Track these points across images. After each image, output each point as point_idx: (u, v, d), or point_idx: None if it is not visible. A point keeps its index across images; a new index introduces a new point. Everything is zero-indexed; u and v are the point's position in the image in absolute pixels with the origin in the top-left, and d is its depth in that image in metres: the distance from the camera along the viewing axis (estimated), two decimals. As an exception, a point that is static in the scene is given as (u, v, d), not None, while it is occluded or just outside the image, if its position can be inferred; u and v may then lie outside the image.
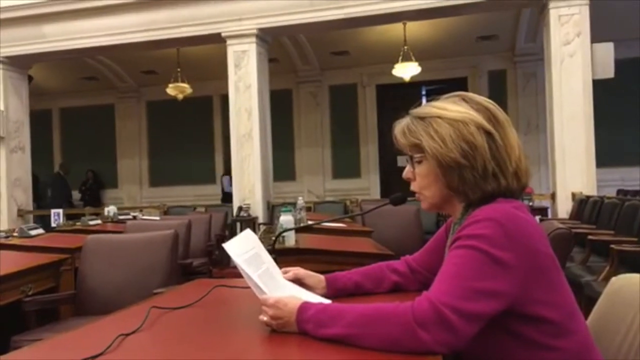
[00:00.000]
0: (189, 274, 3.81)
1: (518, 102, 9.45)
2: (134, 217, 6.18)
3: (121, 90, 11.34)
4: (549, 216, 6.53)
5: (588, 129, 6.03)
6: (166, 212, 7.93)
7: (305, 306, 1.14)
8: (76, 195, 11.23)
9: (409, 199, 1.46)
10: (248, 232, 1.41)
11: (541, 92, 7.90)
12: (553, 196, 6.34)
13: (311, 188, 10.26)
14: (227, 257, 1.42)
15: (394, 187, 9.01)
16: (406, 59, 8.11)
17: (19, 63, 8.06)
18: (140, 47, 7.79)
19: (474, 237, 1.08)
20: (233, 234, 6.72)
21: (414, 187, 1.27)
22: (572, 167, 6.05)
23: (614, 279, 1.27)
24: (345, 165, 10.27)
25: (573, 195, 6.00)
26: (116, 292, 2.80)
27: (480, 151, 1.15)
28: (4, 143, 7.84)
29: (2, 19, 7.54)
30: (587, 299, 3.12)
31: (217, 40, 7.16)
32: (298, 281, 1.41)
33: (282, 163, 9.00)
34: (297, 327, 1.12)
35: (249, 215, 6.87)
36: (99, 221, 5.60)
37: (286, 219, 2.76)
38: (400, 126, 1.25)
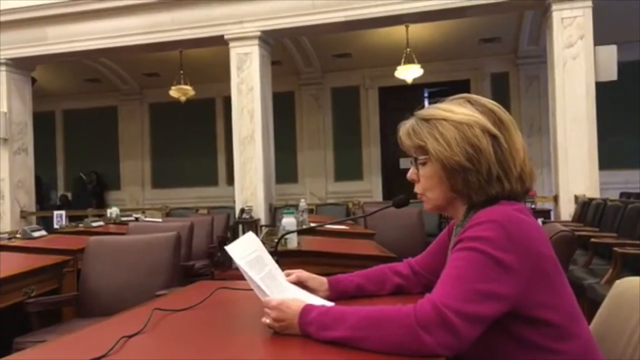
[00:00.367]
0: (191, 276, 3.82)
1: (521, 105, 9.44)
2: (137, 219, 6.18)
3: (124, 93, 11.36)
4: (552, 219, 6.52)
5: (591, 132, 6.01)
6: (168, 214, 7.95)
7: (307, 308, 1.13)
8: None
9: (411, 201, 1.46)
10: (250, 234, 1.41)
11: (544, 94, 7.90)
12: (556, 199, 6.33)
13: (313, 190, 10.26)
14: (229, 259, 1.41)
15: (396, 189, 9.01)
16: (408, 61, 8.11)
17: (22, 65, 8.09)
18: (143, 49, 7.80)
19: (476, 240, 1.07)
20: (235, 236, 6.73)
21: (417, 188, 1.27)
22: (574, 169, 6.04)
23: (618, 282, 1.26)
24: (348, 167, 10.26)
25: (576, 197, 5.98)
26: (119, 294, 2.80)
27: (484, 155, 1.14)
28: (7, 145, 7.86)
29: (6, 22, 7.57)
30: (590, 302, 3.12)
31: (220, 42, 7.17)
32: (300, 283, 1.41)
33: (284, 165, 9.00)
34: (300, 330, 1.12)
35: (251, 217, 6.87)
36: (101, 223, 5.61)
37: (288, 221, 2.76)
38: (405, 128, 1.25)
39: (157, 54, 8.60)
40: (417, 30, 7.96)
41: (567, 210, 6.04)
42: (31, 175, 8.33)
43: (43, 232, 4.46)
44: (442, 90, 9.16)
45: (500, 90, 9.41)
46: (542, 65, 7.83)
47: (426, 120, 1.21)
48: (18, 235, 4.47)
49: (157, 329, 1.25)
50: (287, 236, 2.74)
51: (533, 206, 6.57)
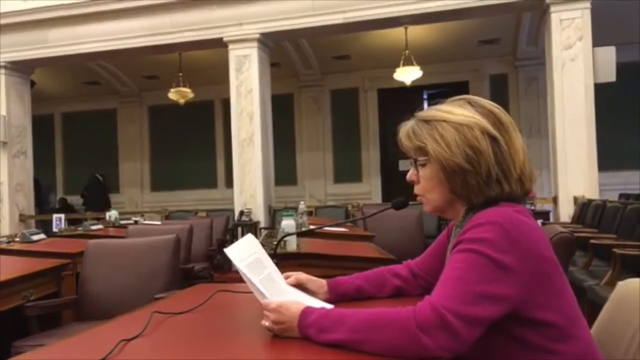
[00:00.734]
0: (191, 279, 3.81)
1: (520, 106, 9.44)
2: (136, 222, 6.18)
3: (123, 95, 11.36)
4: (551, 220, 6.52)
5: (590, 133, 6.02)
6: (168, 216, 7.95)
7: (307, 311, 1.13)
8: (78, 200, 11.25)
9: (410, 202, 1.45)
10: (249, 236, 1.40)
11: (543, 96, 7.90)
12: (555, 200, 6.33)
13: (313, 192, 10.26)
14: (228, 262, 1.41)
15: (396, 191, 9.01)
16: (407, 63, 8.11)
17: (21, 68, 8.09)
18: (142, 51, 7.81)
19: (476, 241, 1.07)
20: (234, 238, 6.73)
21: (417, 189, 1.27)
22: (574, 170, 6.05)
23: (620, 283, 1.26)
24: (347, 169, 10.27)
25: (575, 199, 5.99)
26: (118, 297, 2.79)
27: (484, 156, 1.14)
28: (6, 148, 7.86)
29: (5, 24, 7.58)
30: (590, 303, 3.11)
31: (219, 44, 7.17)
32: (300, 286, 1.41)
33: (283, 167, 9.01)
34: (299, 332, 1.12)
35: (250, 219, 6.87)
36: (100, 226, 5.60)
37: (288, 224, 2.76)
38: (405, 129, 1.25)
39: (156, 57, 8.61)
40: (416, 32, 7.97)
41: (566, 211, 6.05)
42: (30, 179, 8.33)
43: (42, 236, 4.45)
44: (441, 92, 9.16)
45: (499, 92, 9.42)
46: (541, 67, 7.84)
47: (426, 121, 1.21)
48: (17, 239, 4.46)
49: (157, 332, 1.24)
50: (286, 238, 2.74)
51: (532, 208, 6.57)
